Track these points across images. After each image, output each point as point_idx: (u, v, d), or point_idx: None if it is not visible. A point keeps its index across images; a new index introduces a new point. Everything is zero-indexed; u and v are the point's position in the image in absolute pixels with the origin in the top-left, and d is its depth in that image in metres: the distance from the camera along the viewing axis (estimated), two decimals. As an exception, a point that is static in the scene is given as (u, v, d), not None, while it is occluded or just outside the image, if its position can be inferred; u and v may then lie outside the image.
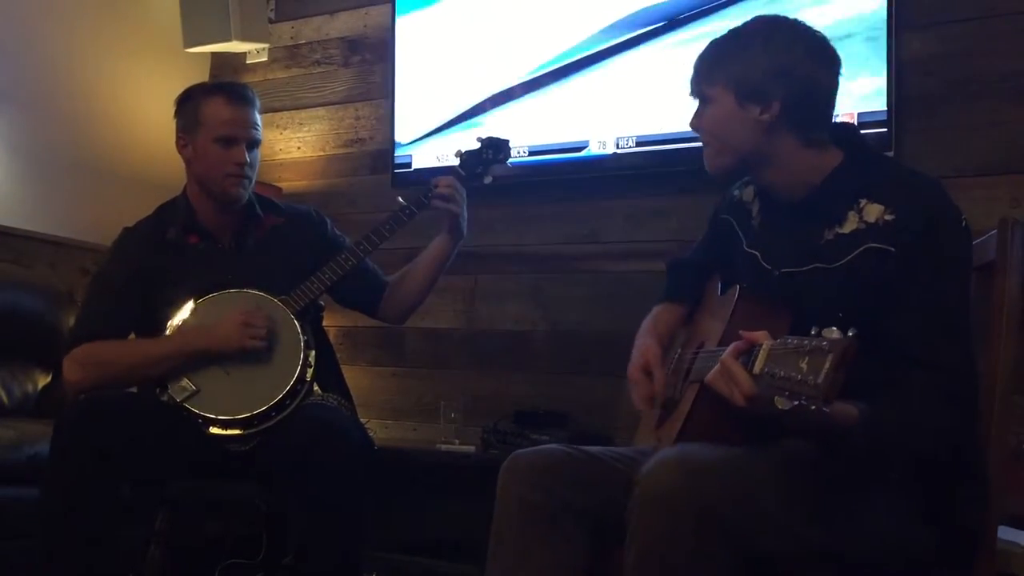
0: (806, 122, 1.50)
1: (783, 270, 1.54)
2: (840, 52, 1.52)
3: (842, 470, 1.36)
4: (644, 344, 1.69)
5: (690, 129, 1.61)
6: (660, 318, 1.76)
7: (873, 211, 1.44)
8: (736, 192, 1.73)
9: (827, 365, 1.12)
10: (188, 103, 2.20)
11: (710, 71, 1.54)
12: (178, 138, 2.21)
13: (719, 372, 1.32)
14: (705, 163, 1.59)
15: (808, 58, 1.48)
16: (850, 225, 1.46)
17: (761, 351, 1.23)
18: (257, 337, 2.03)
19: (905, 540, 1.38)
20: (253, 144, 2.18)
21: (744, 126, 1.50)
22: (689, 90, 1.58)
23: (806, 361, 1.14)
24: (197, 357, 2.04)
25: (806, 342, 1.16)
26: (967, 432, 1.42)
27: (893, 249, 1.41)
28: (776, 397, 1.18)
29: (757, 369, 1.22)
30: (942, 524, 1.40)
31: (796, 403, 1.15)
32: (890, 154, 2.38)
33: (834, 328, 1.14)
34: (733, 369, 1.28)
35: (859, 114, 2.44)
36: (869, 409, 1.31)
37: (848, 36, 2.46)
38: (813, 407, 1.13)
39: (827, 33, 1.53)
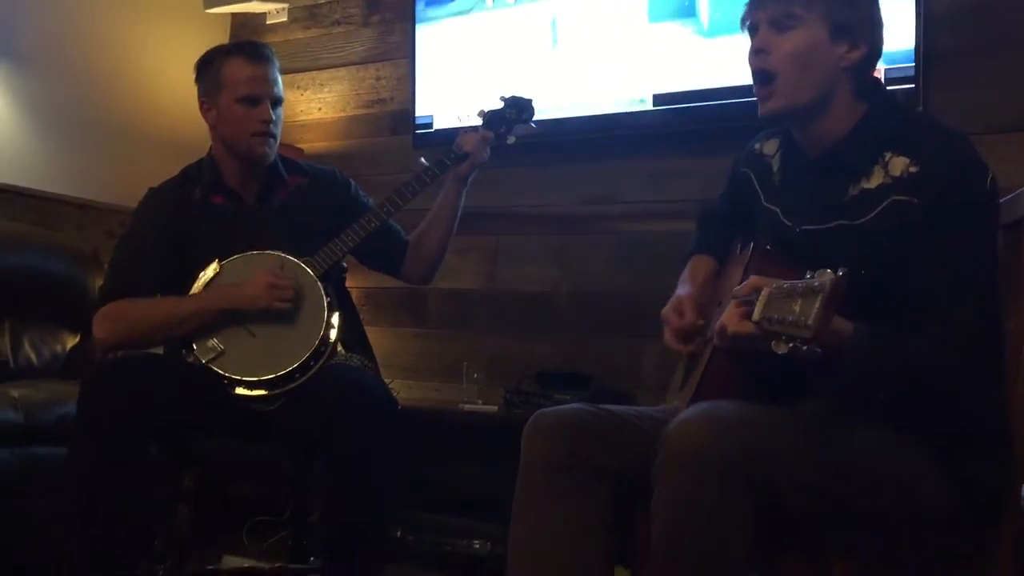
0: (867, 76, 1.50)
1: (804, 227, 1.52)
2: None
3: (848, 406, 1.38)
4: (678, 291, 1.69)
5: (757, 52, 1.49)
6: (696, 268, 1.76)
7: (898, 164, 1.42)
8: (756, 145, 1.70)
9: (817, 304, 1.13)
10: (208, 67, 2.19)
11: None
12: (201, 103, 2.21)
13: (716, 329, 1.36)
14: (764, 107, 1.51)
15: (881, 22, 1.51)
16: (876, 179, 1.44)
17: (760, 297, 1.24)
18: (283, 299, 2.05)
19: (928, 498, 1.38)
20: (276, 102, 2.18)
21: (826, 62, 1.47)
22: (770, 8, 1.48)
23: (799, 303, 1.16)
24: (223, 316, 2.05)
25: (800, 284, 1.17)
26: (982, 388, 1.40)
27: (917, 200, 1.39)
28: (773, 342, 1.19)
29: (756, 316, 1.23)
30: (965, 484, 1.40)
31: (791, 346, 1.17)
32: (919, 110, 2.35)
33: (827, 269, 1.16)
34: (724, 320, 1.33)
35: (887, 69, 2.39)
36: (869, 328, 1.32)
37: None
38: (805, 347, 1.15)
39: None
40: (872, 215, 1.43)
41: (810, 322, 1.13)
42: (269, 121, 2.15)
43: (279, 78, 2.20)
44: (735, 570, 1.29)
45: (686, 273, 1.76)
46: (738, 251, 1.70)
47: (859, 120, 1.49)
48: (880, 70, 2.40)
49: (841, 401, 1.39)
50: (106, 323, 2.10)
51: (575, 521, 1.50)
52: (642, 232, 2.89)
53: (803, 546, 1.41)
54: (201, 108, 2.21)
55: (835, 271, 1.15)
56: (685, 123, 2.72)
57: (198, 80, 2.22)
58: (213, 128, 2.21)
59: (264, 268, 2.09)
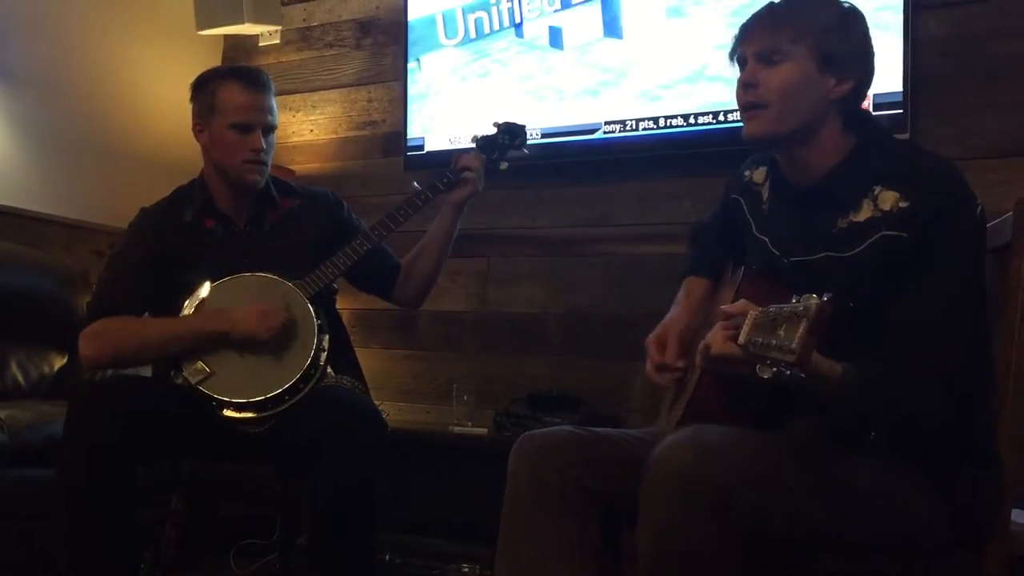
0: (855, 109, 1.51)
1: (792, 259, 1.53)
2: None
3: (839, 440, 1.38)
4: (670, 315, 1.69)
5: (745, 86, 1.48)
6: (690, 289, 1.76)
7: (888, 198, 1.43)
8: (746, 172, 1.70)
9: (801, 329, 1.14)
10: (203, 89, 2.19)
11: (797, 28, 1.46)
12: (194, 124, 2.20)
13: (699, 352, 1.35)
14: (749, 127, 1.50)
15: (872, 51, 1.51)
16: (865, 213, 1.44)
17: (746, 321, 1.25)
18: (273, 328, 2.03)
19: (918, 524, 1.38)
20: (269, 129, 2.17)
21: (815, 94, 1.46)
22: (756, 42, 1.48)
23: (784, 327, 1.16)
24: (212, 338, 2.05)
25: (785, 309, 1.18)
26: (970, 414, 1.41)
27: (906, 235, 1.40)
28: (758, 366, 1.20)
29: (742, 339, 1.24)
30: (955, 507, 1.40)
31: (775, 370, 1.17)
32: (905, 136, 2.37)
33: (812, 295, 1.16)
34: (709, 340, 1.30)
35: (875, 95, 2.41)
36: (856, 369, 1.31)
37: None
38: (789, 372, 1.16)
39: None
40: (860, 248, 1.43)
41: (794, 346, 1.14)
42: (259, 150, 2.14)
43: (274, 105, 2.19)
44: None
45: (681, 294, 1.76)
46: (730, 273, 1.70)
47: (848, 152, 1.49)
48: (868, 96, 2.41)
49: (830, 427, 1.39)
50: (92, 341, 2.08)
51: (562, 542, 1.49)
52: (633, 255, 2.89)
53: (791, 573, 1.41)
54: (194, 129, 2.21)
55: (820, 296, 1.15)
56: (678, 146, 2.73)
57: (193, 100, 2.21)
58: (205, 150, 2.21)
59: (255, 293, 2.08)
